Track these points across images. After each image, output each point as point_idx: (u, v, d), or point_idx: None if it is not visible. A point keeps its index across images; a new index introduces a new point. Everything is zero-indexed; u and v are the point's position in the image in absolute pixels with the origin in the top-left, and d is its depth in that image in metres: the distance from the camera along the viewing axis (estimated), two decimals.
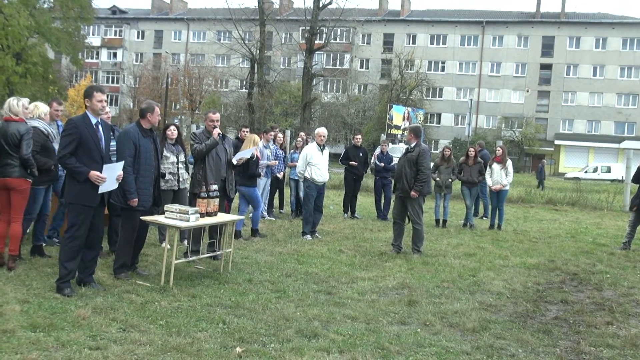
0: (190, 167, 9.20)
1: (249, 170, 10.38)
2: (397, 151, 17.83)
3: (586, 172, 47.12)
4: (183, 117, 57.78)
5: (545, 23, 62.85)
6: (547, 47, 62.41)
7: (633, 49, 60.29)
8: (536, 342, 5.73)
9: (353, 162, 14.16)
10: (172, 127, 8.92)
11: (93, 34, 67.56)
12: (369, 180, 18.13)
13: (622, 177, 44.79)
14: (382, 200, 14.52)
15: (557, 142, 60.70)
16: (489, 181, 13.65)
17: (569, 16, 63.59)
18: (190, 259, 7.79)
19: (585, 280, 8.64)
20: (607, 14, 63.76)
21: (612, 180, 40.40)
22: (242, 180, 10.41)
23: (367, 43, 65.51)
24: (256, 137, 10.79)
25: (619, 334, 6.08)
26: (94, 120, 6.33)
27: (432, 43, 65.09)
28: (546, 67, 62.43)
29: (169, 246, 6.99)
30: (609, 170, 47.09)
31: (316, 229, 11.29)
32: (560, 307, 7.07)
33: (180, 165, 8.85)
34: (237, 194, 10.37)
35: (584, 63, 61.47)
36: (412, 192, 9.84)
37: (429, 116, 60.14)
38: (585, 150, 59.50)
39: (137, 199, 6.89)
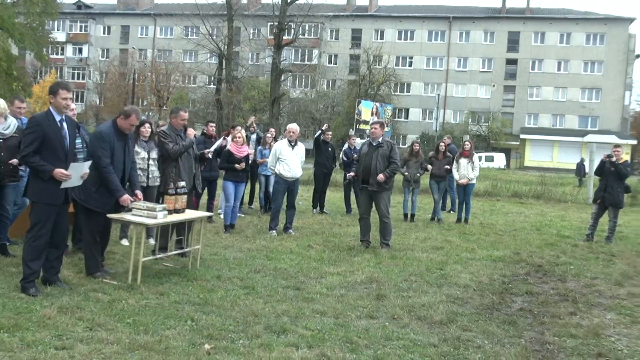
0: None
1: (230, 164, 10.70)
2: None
3: None
4: (151, 113, 57.12)
5: (511, 18, 63.63)
6: (513, 42, 63.19)
7: (596, 45, 61.34)
8: (502, 333, 5.83)
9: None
10: (147, 125, 8.85)
11: (58, 30, 66.25)
12: (337, 175, 18.18)
13: (504, 165, 47.49)
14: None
15: (522, 136, 61.52)
16: (455, 175, 13.77)
17: (534, 12, 64.60)
18: (158, 256, 7.73)
19: (549, 271, 8.81)
20: (571, 10, 64.84)
21: (497, 169, 43.97)
22: (228, 175, 10.78)
23: (335, 38, 65.62)
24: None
25: (582, 324, 6.22)
26: (58, 117, 6.20)
27: (399, 38, 65.44)
28: (512, 62, 63.23)
29: (127, 243, 6.90)
30: (492, 159, 52.28)
31: (291, 225, 11.24)
32: (525, 299, 7.20)
33: (151, 162, 8.74)
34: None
35: (548, 58, 62.38)
36: (380, 175, 9.77)
37: (397, 111, 60.27)
38: (550, 144, 60.46)
39: (126, 195, 6.83)
